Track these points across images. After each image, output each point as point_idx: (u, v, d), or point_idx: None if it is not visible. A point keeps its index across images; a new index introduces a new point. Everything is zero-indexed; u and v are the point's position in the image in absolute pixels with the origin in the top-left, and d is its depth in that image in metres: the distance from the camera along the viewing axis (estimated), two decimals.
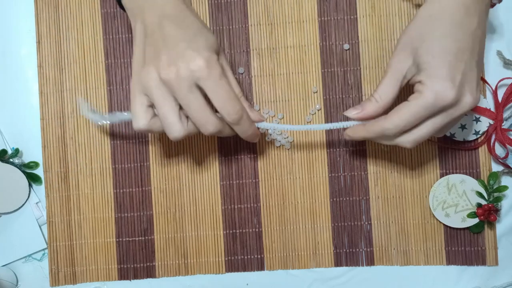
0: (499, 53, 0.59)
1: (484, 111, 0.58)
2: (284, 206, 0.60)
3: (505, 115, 0.59)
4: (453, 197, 0.59)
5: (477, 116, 0.59)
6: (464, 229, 0.59)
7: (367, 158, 0.60)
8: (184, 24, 0.46)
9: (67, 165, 0.60)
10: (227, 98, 0.45)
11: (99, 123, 0.59)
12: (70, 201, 0.60)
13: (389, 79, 0.47)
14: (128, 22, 0.60)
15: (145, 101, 0.46)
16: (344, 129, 0.51)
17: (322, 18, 0.60)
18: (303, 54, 0.60)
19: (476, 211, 0.58)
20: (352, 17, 0.60)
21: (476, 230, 0.59)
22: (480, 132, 0.59)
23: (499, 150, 0.59)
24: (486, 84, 0.59)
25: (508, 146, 0.58)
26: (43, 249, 0.61)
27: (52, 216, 0.60)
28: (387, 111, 0.47)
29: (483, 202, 0.58)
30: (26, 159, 0.60)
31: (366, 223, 0.60)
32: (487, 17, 0.48)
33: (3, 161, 0.59)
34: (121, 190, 0.60)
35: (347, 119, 0.49)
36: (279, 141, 0.60)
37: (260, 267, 0.60)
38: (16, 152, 0.59)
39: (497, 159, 0.59)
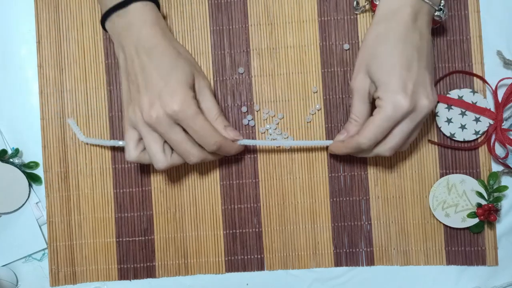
0: (499, 53, 0.59)
1: (484, 111, 0.58)
2: (284, 206, 0.60)
3: (505, 115, 0.59)
4: (453, 197, 0.59)
5: (477, 116, 0.59)
6: (464, 229, 0.59)
7: (367, 158, 0.60)
8: (158, 59, 0.51)
9: (67, 165, 0.60)
10: (203, 134, 0.51)
11: (90, 143, 0.60)
12: (70, 201, 0.60)
13: (358, 100, 0.52)
14: None
15: (135, 135, 0.53)
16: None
17: (322, 18, 0.60)
18: (303, 54, 0.60)
19: (476, 211, 0.58)
20: (352, 17, 0.60)
21: (476, 230, 0.59)
22: (480, 132, 0.59)
23: (499, 150, 0.59)
24: (486, 84, 0.59)
25: (508, 146, 0.58)
26: (43, 249, 0.61)
27: (52, 216, 0.60)
28: None
29: (483, 202, 0.58)
30: (26, 159, 0.60)
31: (366, 223, 0.60)
32: (430, 27, 0.53)
33: (3, 161, 0.59)
34: (121, 190, 0.60)
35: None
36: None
37: (260, 267, 0.60)
38: (16, 152, 0.59)
39: (497, 159, 0.59)
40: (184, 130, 0.51)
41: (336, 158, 0.60)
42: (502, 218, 0.60)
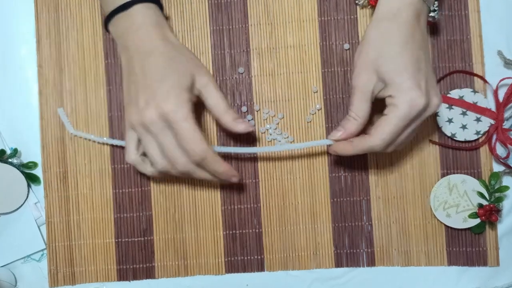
0: (500, 53, 0.59)
1: (485, 111, 0.58)
2: (284, 206, 0.60)
3: (506, 115, 0.58)
4: (454, 197, 0.58)
5: (478, 116, 0.58)
6: (465, 229, 0.59)
7: (368, 158, 0.60)
8: (156, 60, 0.51)
9: (66, 165, 0.60)
10: (188, 140, 0.49)
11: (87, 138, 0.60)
12: (69, 201, 0.60)
13: (360, 98, 0.51)
14: None
15: (135, 136, 0.52)
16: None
17: (322, 18, 0.60)
18: (303, 54, 0.60)
19: (477, 211, 0.58)
20: (352, 17, 0.60)
21: (477, 230, 0.58)
22: (481, 132, 0.58)
23: (500, 150, 0.59)
24: (487, 84, 0.59)
25: (509, 146, 0.58)
26: (42, 250, 0.60)
27: (51, 217, 0.60)
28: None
29: (485, 203, 0.58)
30: (25, 159, 0.60)
31: (367, 223, 0.60)
32: (426, 27, 0.53)
33: (1, 161, 0.59)
34: (120, 190, 0.60)
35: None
36: (279, 141, 0.59)
37: (260, 267, 0.60)
38: (15, 152, 0.59)
39: (498, 159, 0.58)
40: None
41: (337, 158, 0.59)
42: (504, 218, 0.59)
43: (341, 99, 0.59)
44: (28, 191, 0.60)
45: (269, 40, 0.60)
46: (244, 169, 0.60)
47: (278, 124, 0.60)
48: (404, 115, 0.49)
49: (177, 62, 0.51)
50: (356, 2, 0.59)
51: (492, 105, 0.59)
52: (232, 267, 0.60)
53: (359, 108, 0.51)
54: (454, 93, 0.59)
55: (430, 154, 0.60)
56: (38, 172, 0.60)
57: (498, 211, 0.58)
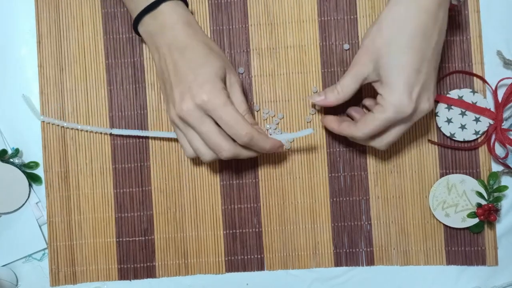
0: (499, 53, 0.59)
1: (484, 111, 0.58)
2: (284, 206, 0.60)
3: (505, 115, 0.59)
4: (453, 197, 0.59)
5: (477, 116, 0.59)
6: (464, 229, 0.59)
7: (367, 158, 0.60)
8: (189, 55, 0.51)
9: (67, 165, 0.60)
10: (233, 124, 0.49)
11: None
12: (70, 201, 0.60)
13: (351, 77, 0.51)
14: (128, 22, 0.60)
15: (181, 133, 0.53)
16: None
17: (322, 18, 0.60)
18: (303, 54, 0.60)
19: (476, 211, 0.58)
20: (352, 17, 0.60)
21: (476, 230, 0.59)
22: (480, 132, 0.59)
23: (499, 150, 0.59)
24: (486, 84, 0.59)
25: (508, 146, 0.58)
26: (43, 249, 0.61)
27: (52, 216, 0.60)
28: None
29: (483, 202, 0.58)
30: (26, 159, 0.60)
31: (366, 223, 0.60)
32: (447, 19, 0.50)
33: (3, 161, 0.59)
34: (121, 190, 0.60)
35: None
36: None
37: (260, 267, 0.60)
38: (16, 152, 0.59)
39: (497, 159, 0.59)
40: (217, 124, 0.50)
41: (336, 158, 0.60)
42: (502, 218, 0.60)
43: None
44: (29, 191, 0.60)
45: (269, 40, 0.60)
46: (244, 169, 0.60)
47: (278, 124, 0.60)
48: (389, 119, 0.49)
49: (210, 56, 0.51)
50: None
51: (491, 105, 0.59)
52: (232, 266, 0.60)
53: (346, 85, 0.52)
54: (454, 93, 0.59)
55: (429, 154, 0.60)
56: (39, 172, 0.60)
57: (496, 210, 0.58)
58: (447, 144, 0.59)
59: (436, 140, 0.60)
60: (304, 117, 0.60)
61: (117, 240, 0.60)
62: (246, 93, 0.60)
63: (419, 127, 0.60)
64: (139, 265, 0.60)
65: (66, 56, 0.60)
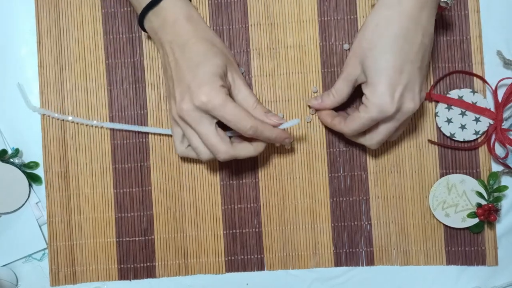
0: (499, 53, 0.59)
1: (484, 111, 0.58)
2: (284, 206, 0.60)
3: (505, 115, 0.59)
4: (453, 197, 0.59)
5: (477, 116, 0.59)
6: (464, 229, 0.59)
7: (367, 158, 0.60)
8: (189, 53, 0.51)
9: (67, 165, 0.60)
10: (236, 120, 0.50)
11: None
12: (70, 201, 0.60)
13: (343, 80, 0.54)
14: (128, 22, 0.60)
15: (179, 130, 0.53)
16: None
17: (322, 18, 0.60)
18: (303, 54, 0.60)
19: (476, 211, 0.58)
20: (352, 17, 0.60)
21: (476, 230, 0.59)
22: (480, 132, 0.59)
23: (499, 150, 0.59)
24: (486, 84, 0.59)
25: (508, 146, 0.58)
26: (43, 249, 0.61)
27: (52, 216, 0.60)
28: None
29: (483, 202, 0.58)
30: (26, 159, 0.60)
31: (366, 223, 0.60)
32: (434, 18, 0.51)
33: (3, 161, 0.59)
34: (121, 190, 0.60)
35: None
36: None
37: (260, 267, 0.60)
38: (16, 152, 0.60)
39: (497, 159, 0.59)
40: (220, 123, 0.51)
41: (336, 158, 0.60)
42: (502, 218, 0.60)
43: None
44: (30, 191, 0.60)
45: (269, 40, 0.60)
46: (244, 169, 0.60)
47: None
48: (372, 117, 0.51)
49: (209, 53, 0.51)
50: None
51: (491, 105, 0.59)
52: (232, 266, 0.60)
53: (339, 88, 0.54)
54: (454, 93, 0.59)
55: (429, 154, 0.60)
56: (39, 172, 0.60)
57: (496, 210, 0.58)
58: (447, 144, 0.59)
59: (436, 140, 0.60)
60: (304, 117, 0.60)
61: (117, 240, 0.60)
62: None
63: (419, 127, 0.60)
64: (139, 265, 0.60)
65: (66, 56, 0.60)
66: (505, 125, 0.59)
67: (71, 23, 0.60)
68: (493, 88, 0.59)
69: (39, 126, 0.60)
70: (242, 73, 0.60)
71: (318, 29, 0.60)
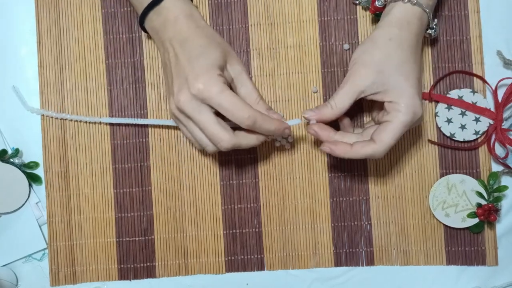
0: (499, 53, 0.59)
1: (484, 111, 0.58)
2: (284, 206, 0.60)
3: (505, 115, 0.59)
4: (453, 197, 0.59)
5: (477, 116, 0.59)
6: (464, 229, 0.59)
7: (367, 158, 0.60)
8: (189, 47, 0.51)
9: (67, 165, 0.60)
10: (233, 109, 0.49)
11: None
12: (70, 201, 0.60)
13: (347, 91, 0.52)
14: (128, 22, 0.60)
15: (183, 127, 0.53)
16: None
17: (322, 18, 0.60)
18: (303, 54, 0.60)
19: (476, 211, 0.58)
20: (352, 17, 0.60)
21: (476, 230, 0.59)
22: (480, 132, 0.59)
23: (499, 150, 0.59)
24: (486, 84, 0.59)
25: (508, 146, 0.58)
26: (43, 249, 0.61)
27: (52, 216, 0.60)
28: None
29: (483, 202, 0.58)
30: (26, 159, 0.60)
31: (366, 223, 0.60)
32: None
33: (3, 161, 0.59)
34: (121, 190, 0.60)
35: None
36: (279, 141, 0.60)
37: (260, 267, 0.60)
38: (16, 152, 0.60)
39: (497, 159, 0.59)
40: (218, 113, 0.50)
41: (336, 158, 0.60)
42: (502, 218, 0.60)
43: None
44: (30, 191, 0.60)
45: (269, 40, 0.60)
46: (244, 169, 0.60)
47: None
48: (407, 122, 0.50)
49: (208, 46, 0.52)
50: (355, 2, 0.59)
51: (491, 105, 0.59)
52: (232, 266, 0.60)
53: (341, 100, 0.52)
54: (454, 93, 0.59)
55: (429, 154, 0.60)
56: (39, 172, 0.60)
57: (496, 210, 0.58)
58: (447, 144, 0.59)
59: (436, 140, 0.60)
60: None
61: (117, 240, 0.60)
62: None
63: (419, 127, 0.60)
64: (139, 265, 0.60)
65: (66, 56, 0.60)
66: (505, 125, 0.59)
67: (71, 23, 0.60)
68: (493, 88, 0.59)
69: (39, 126, 0.60)
70: None
71: (318, 29, 0.60)
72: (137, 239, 0.60)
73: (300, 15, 0.60)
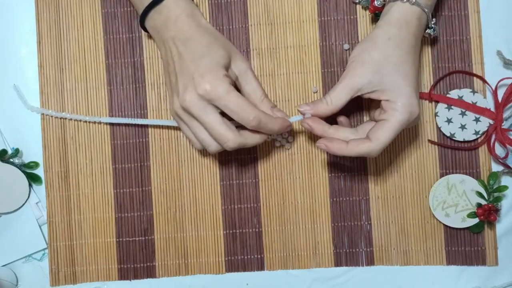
0: (499, 53, 0.59)
1: (484, 111, 0.58)
2: (284, 206, 0.60)
3: (505, 115, 0.59)
4: (453, 197, 0.59)
5: (477, 116, 0.59)
6: (464, 229, 0.59)
7: (367, 158, 0.60)
8: (193, 46, 0.51)
9: (67, 165, 0.60)
10: (239, 110, 0.49)
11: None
12: (70, 201, 0.60)
13: (343, 88, 0.52)
14: (128, 22, 0.60)
15: (184, 126, 0.53)
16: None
17: (322, 18, 0.60)
18: (303, 54, 0.60)
19: (476, 211, 0.58)
20: (352, 17, 0.60)
21: (476, 230, 0.59)
22: (480, 132, 0.59)
23: (499, 150, 0.59)
24: (486, 84, 0.59)
25: (508, 146, 0.58)
26: (43, 249, 0.61)
27: (52, 216, 0.60)
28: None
29: (483, 202, 0.58)
30: (26, 159, 0.60)
31: (366, 223, 0.60)
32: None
33: (3, 161, 0.59)
34: (121, 190, 0.60)
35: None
36: (279, 141, 0.60)
37: (260, 267, 0.60)
38: (16, 152, 0.60)
39: (497, 159, 0.59)
40: (223, 113, 0.50)
41: (336, 158, 0.60)
42: (502, 218, 0.60)
43: None
44: (30, 191, 0.60)
45: (269, 40, 0.60)
46: (244, 169, 0.60)
47: None
48: (404, 121, 0.50)
49: (212, 45, 0.52)
50: (355, 1, 0.59)
51: (491, 105, 0.59)
52: (232, 266, 0.60)
53: (338, 96, 0.52)
54: (454, 93, 0.59)
55: (429, 154, 0.60)
56: (39, 172, 0.60)
57: (496, 210, 0.58)
58: (447, 144, 0.59)
59: (436, 140, 0.60)
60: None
61: (117, 240, 0.60)
62: None
63: (419, 127, 0.60)
64: (139, 265, 0.60)
65: (66, 56, 0.60)
66: (505, 125, 0.59)
67: (71, 23, 0.60)
68: (493, 88, 0.59)
69: (39, 126, 0.60)
70: None
71: (318, 29, 0.60)
72: (137, 239, 0.60)
73: (300, 15, 0.60)
